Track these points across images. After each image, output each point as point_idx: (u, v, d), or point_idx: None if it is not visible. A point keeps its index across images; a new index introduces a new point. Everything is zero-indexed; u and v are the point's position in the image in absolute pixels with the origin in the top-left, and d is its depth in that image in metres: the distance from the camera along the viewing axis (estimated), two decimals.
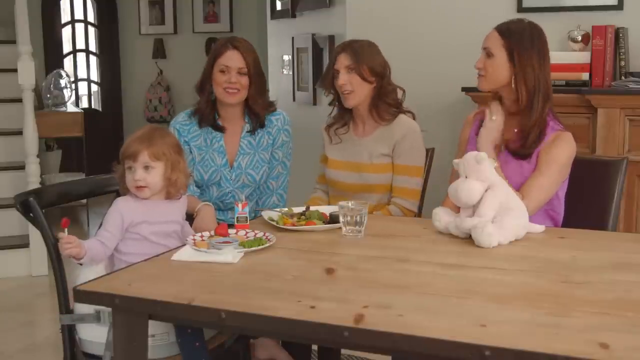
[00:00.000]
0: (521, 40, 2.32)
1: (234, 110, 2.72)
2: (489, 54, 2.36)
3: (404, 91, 2.70)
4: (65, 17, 7.58)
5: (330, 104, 2.75)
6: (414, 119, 2.68)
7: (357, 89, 2.59)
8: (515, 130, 2.36)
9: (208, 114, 2.70)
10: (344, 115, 2.72)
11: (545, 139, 2.31)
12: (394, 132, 2.62)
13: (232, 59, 2.64)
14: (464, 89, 3.47)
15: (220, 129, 2.71)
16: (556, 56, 3.40)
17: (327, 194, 2.79)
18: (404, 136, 2.61)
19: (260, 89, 2.71)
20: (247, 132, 2.73)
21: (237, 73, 2.63)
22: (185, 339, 2.10)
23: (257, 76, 2.69)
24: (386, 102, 2.64)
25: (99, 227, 2.17)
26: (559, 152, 2.29)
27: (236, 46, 2.65)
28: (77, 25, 7.72)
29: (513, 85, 2.32)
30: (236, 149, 2.72)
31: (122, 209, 2.11)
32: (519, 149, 2.33)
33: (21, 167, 4.79)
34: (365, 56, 2.60)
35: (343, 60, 2.60)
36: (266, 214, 2.30)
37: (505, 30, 2.36)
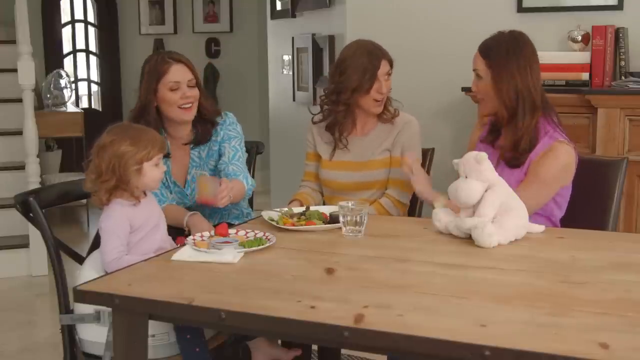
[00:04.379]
0: (498, 56, 2.33)
1: (186, 126, 2.59)
2: (477, 75, 2.39)
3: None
4: (65, 17, 7.58)
5: (327, 107, 2.67)
6: None
7: (388, 92, 2.62)
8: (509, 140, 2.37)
9: None
10: (345, 114, 2.68)
11: (540, 147, 2.31)
12: (395, 127, 2.64)
13: (181, 73, 2.49)
14: (464, 89, 3.47)
15: (167, 156, 2.48)
16: (556, 56, 3.42)
17: (316, 192, 2.77)
18: (403, 128, 2.63)
19: (207, 96, 2.59)
20: (194, 145, 2.59)
21: (187, 86, 2.49)
22: (185, 344, 2.10)
23: (201, 84, 2.57)
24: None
25: (96, 234, 2.16)
26: (546, 168, 2.28)
27: (179, 59, 2.52)
28: (77, 25, 7.72)
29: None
30: (187, 162, 2.61)
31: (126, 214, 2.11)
32: (511, 159, 2.34)
33: (21, 167, 4.80)
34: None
35: (386, 68, 2.58)
36: (266, 214, 2.30)
37: (485, 49, 2.37)
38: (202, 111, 2.57)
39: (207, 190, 2.22)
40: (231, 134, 2.61)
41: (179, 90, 2.49)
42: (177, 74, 2.49)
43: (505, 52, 2.32)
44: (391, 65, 2.62)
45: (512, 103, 2.31)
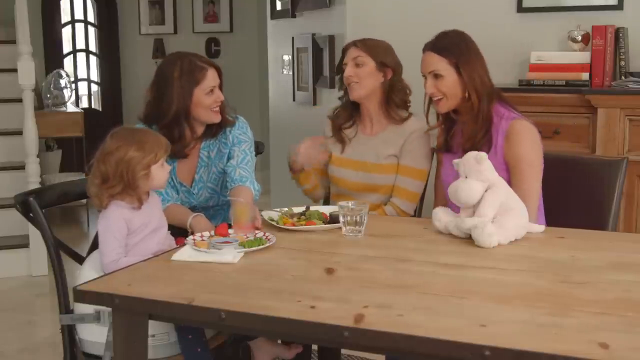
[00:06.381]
0: (460, 51, 2.36)
1: (204, 125, 2.59)
2: (436, 76, 2.37)
3: (410, 92, 2.71)
4: (65, 17, 7.59)
5: (340, 99, 2.75)
6: None
7: (362, 81, 2.59)
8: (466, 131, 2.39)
9: (183, 147, 2.52)
10: (351, 111, 2.69)
11: (502, 129, 2.32)
12: (403, 132, 2.62)
13: (214, 78, 2.52)
14: None
15: (185, 155, 2.55)
16: (556, 56, 3.42)
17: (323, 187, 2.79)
18: (412, 137, 2.61)
19: (224, 97, 2.61)
20: (205, 142, 2.59)
21: (218, 90, 2.53)
22: (187, 345, 2.10)
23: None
24: (396, 99, 2.64)
25: (96, 234, 2.15)
26: (524, 150, 2.29)
27: (211, 64, 2.54)
28: (77, 25, 7.73)
29: (467, 95, 2.34)
30: (195, 161, 2.60)
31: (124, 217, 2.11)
32: (471, 148, 2.30)
33: (21, 167, 4.80)
34: (374, 49, 2.63)
35: (351, 53, 2.62)
36: (266, 214, 2.30)
37: (442, 49, 2.37)
38: (221, 113, 2.60)
39: (245, 217, 2.16)
40: (242, 138, 2.62)
41: (213, 93, 2.51)
42: (213, 78, 2.52)
43: (465, 45, 2.37)
44: (374, 58, 2.61)
45: (482, 95, 2.34)
